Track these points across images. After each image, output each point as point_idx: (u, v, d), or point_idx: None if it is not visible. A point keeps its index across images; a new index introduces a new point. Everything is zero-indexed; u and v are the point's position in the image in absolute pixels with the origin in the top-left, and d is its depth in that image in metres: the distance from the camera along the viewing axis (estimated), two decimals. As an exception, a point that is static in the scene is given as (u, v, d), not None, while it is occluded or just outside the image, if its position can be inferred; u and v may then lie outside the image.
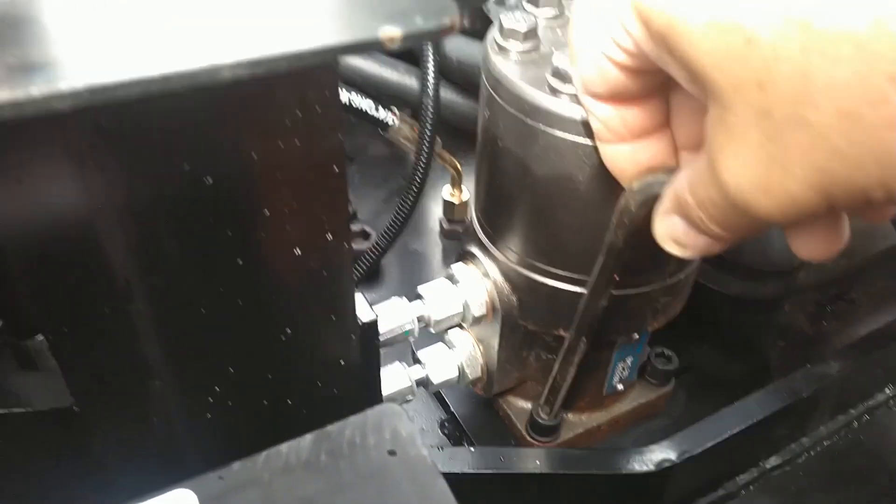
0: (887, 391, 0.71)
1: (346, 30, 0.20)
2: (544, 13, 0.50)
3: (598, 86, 0.37)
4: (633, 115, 0.38)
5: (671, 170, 0.38)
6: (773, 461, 0.64)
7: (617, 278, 0.48)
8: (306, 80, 0.30)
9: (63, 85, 0.17)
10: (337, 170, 0.34)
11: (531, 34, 0.47)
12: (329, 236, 0.37)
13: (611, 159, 0.41)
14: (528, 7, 0.51)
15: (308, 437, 0.29)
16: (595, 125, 0.40)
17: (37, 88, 0.16)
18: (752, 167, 0.28)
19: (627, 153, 0.40)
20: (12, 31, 0.19)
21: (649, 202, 0.40)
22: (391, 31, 0.21)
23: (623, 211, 0.42)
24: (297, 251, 0.36)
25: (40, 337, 0.52)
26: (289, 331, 0.39)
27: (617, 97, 0.37)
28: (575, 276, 0.51)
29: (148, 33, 0.20)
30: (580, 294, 0.51)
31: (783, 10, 0.25)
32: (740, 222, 0.32)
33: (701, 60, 0.28)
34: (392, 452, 0.29)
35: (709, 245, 0.35)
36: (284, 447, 0.29)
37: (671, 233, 0.37)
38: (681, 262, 0.52)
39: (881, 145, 0.24)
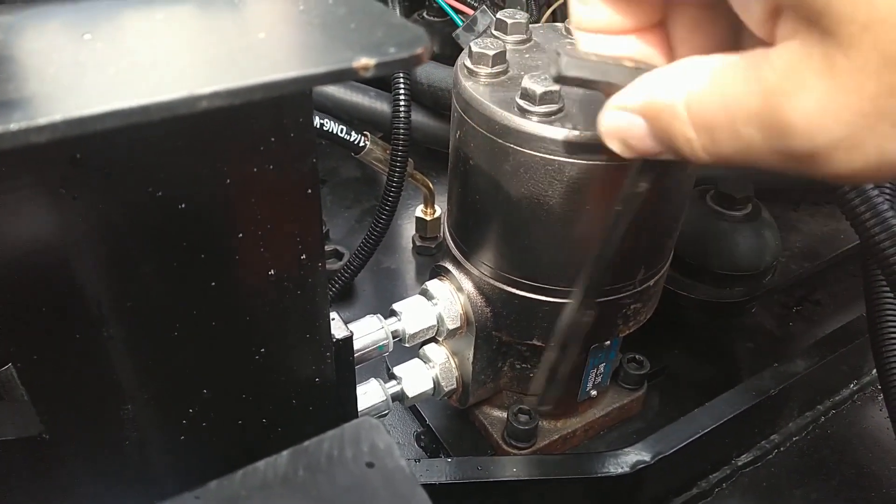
0: (852, 387, 0.73)
1: (322, 59, 0.21)
2: (512, 38, 0.52)
3: None
4: (625, 11, 0.31)
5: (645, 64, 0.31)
6: (744, 459, 0.66)
7: None
8: (281, 108, 0.31)
9: (41, 119, 0.17)
10: (310, 192, 0.35)
11: (500, 58, 0.49)
12: (303, 257, 0.37)
13: (585, 46, 0.33)
14: (497, 33, 0.53)
15: (285, 454, 0.30)
16: (575, 9, 0.32)
17: (15, 123, 0.17)
18: (847, 120, 0.23)
19: (605, 45, 0.32)
20: (-11, 70, 0.19)
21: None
22: (365, 61, 0.22)
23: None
24: (272, 272, 0.37)
25: (4, 368, 0.51)
26: (263, 351, 0.39)
27: None
28: (547, 286, 0.52)
29: (125, 65, 0.21)
30: (552, 303, 0.52)
31: None
32: (752, 158, 0.26)
33: None
34: (370, 465, 0.29)
35: (658, 154, 0.29)
36: (261, 464, 0.29)
37: (623, 132, 0.30)
38: (650, 270, 0.53)
39: None
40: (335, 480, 0.28)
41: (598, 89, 0.31)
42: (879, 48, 0.22)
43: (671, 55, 0.32)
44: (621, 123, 0.30)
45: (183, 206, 0.32)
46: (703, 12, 0.28)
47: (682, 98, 0.27)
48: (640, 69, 0.30)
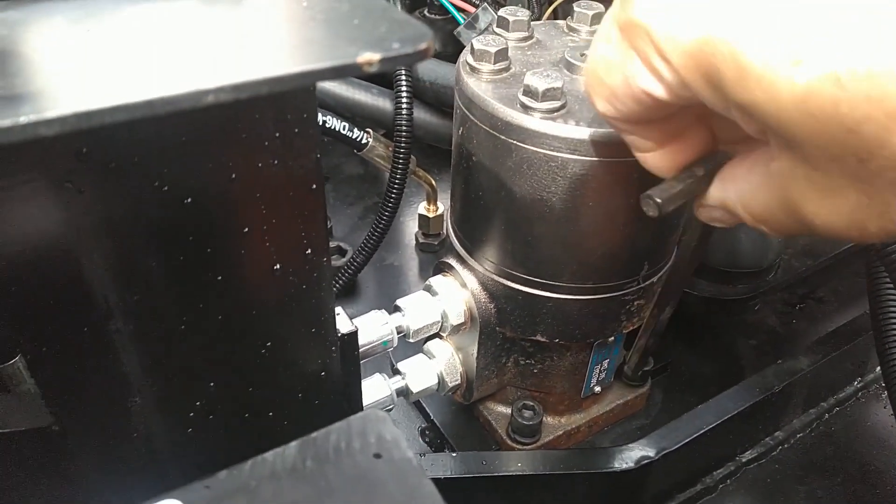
0: (856, 384, 0.74)
1: (327, 55, 0.22)
2: (514, 35, 0.53)
3: (635, 116, 0.35)
4: (670, 125, 0.37)
5: (711, 160, 0.37)
6: (748, 455, 0.66)
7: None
8: (285, 103, 0.31)
9: (50, 112, 0.17)
10: (315, 187, 0.35)
11: (502, 55, 0.49)
12: (308, 251, 0.38)
13: (653, 165, 0.39)
14: (499, 30, 0.53)
15: (293, 445, 0.30)
16: (631, 141, 0.39)
17: (25, 116, 0.17)
18: (847, 215, 0.29)
19: (669, 154, 0.38)
20: (-1, 64, 0.20)
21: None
22: (369, 56, 0.22)
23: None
24: (277, 266, 0.37)
25: (12, 360, 0.52)
26: (269, 344, 0.40)
27: (654, 119, 0.36)
28: (550, 282, 0.52)
29: (131, 60, 0.21)
30: (556, 299, 0.52)
31: (890, 108, 0.24)
32: (805, 234, 0.33)
33: (793, 132, 0.27)
34: (377, 455, 0.29)
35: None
36: (270, 455, 0.30)
37: (716, 218, 0.39)
38: (654, 266, 0.54)
39: None
40: (343, 471, 0.29)
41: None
42: (848, 173, 0.27)
43: (715, 139, 0.38)
44: (713, 214, 0.39)
45: (189, 200, 0.32)
46: None
47: (739, 203, 0.35)
48: (708, 170, 0.37)
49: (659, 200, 0.37)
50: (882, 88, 0.24)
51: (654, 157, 0.39)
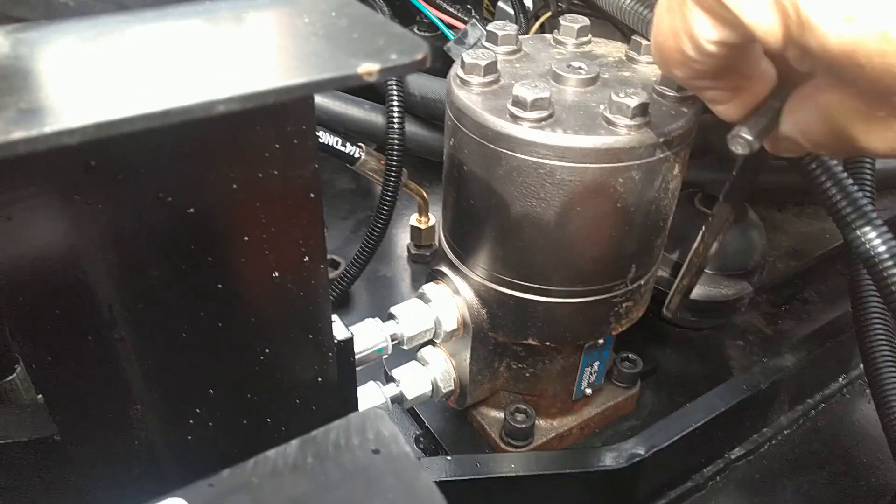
0: (840, 380, 0.75)
1: (329, 66, 0.23)
2: (502, 49, 0.54)
3: (711, 70, 0.38)
4: (739, 70, 0.40)
5: (780, 96, 0.41)
6: (737, 452, 0.67)
7: None
8: (285, 116, 0.32)
9: (72, 122, 0.19)
10: (313, 196, 0.36)
11: (491, 68, 0.51)
12: (305, 259, 0.39)
13: (733, 113, 0.42)
14: (488, 44, 0.55)
15: (294, 443, 0.31)
16: (709, 96, 0.42)
17: (49, 126, 0.18)
18: (891, 141, 0.35)
19: (743, 99, 0.41)
20: (21, 81, 0.21)
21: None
22: (369, 66, 0.24)
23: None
24: (276, 274, 0.38)
25: (10, 377, 0.52)
26: (268, 351, 0.40)
27: (726, 67, 0.39)
28: (540, 286, 0.53)
29: (144, 75, 0.22)
30: (546, 303, 0.54)
31: None
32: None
33: (842, 76, 0.32)
34: (376, 451, 0.30)
35: None
36: (272, 453, 0.31)
37: (785, 149, 0.43)
38: (641, 268, 0.55)
39: None
40: (343, 466, 0.30)
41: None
42: (891, 107, 0.33)
43: (778, 76, 0.42)
44: (782, 146, 0.43)
45: (191, 210, 0.33)
46: None
47: (800, 133, 0.40)
48: (780, 105, 0.41)
49: (749, 138, 0.41)
50: None
51: (731, 107, 0.42)
